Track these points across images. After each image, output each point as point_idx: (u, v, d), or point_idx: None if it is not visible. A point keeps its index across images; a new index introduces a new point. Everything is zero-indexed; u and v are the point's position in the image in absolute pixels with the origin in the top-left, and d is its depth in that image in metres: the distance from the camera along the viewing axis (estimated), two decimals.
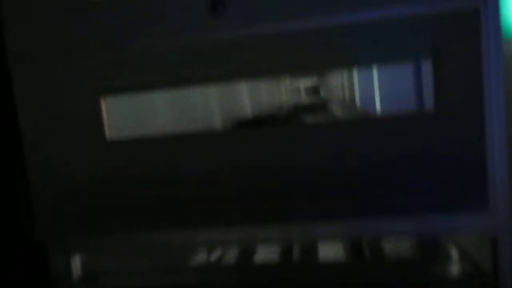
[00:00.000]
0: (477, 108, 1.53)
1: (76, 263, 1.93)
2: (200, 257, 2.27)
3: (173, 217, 1.75)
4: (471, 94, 1.54)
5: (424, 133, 1.57)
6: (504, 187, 1.54)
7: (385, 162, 1.60)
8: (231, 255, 2.23)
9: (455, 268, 1.85)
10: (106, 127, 1.77)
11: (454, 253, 1.88)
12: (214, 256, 2.27)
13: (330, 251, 2.12)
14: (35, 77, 1.78)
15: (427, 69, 1.59)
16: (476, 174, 1.55)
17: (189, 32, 1.66)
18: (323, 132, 1.65)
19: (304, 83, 3.33)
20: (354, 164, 1.61)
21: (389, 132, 1.59)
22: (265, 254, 2.18)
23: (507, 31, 1.75)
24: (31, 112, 1.81)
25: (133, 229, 1.78)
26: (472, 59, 1.53)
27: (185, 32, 1.66)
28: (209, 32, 1.65)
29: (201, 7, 1.64)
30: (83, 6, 1.71)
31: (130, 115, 2.62)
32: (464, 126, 1.55)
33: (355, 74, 3.03)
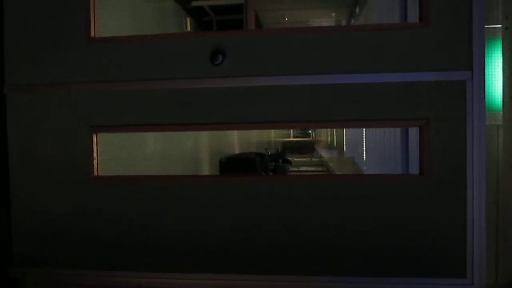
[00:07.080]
0: (459, 176, 1.58)
1: None
2: None
3: (153, 260, 1.74)
4: (455, 161, 1.59)
5: (408, 198, 1.61)
6: (482, 258, 1.57)
7: (370, 224, 1.62)
8: None
9: None
10: (95, 164, 1.77)
11: None
12: None
13: None
14: (28, 109, 1.80)
15: (413, 133, 1.65)
16: (456, 243, 1.58)
17: (187, 77, 1.69)
18: (305, 187, 1.68)
19: None
20: (338, 225, 1.64)
21: (374, 195, 1.63)
22: None
23: (490, 104, 1.83)
24: (20, 143, 1.80)
25: (109, 268, 1.76)
26: (457, 128, 1.59)
27: (183, 78, 1.69)
28: (207, 79, 1.69)
29: (201, 54, 1.69)
30: (82, 45, 1.75)
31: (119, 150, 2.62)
32: (447, 193, 1.58)
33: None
